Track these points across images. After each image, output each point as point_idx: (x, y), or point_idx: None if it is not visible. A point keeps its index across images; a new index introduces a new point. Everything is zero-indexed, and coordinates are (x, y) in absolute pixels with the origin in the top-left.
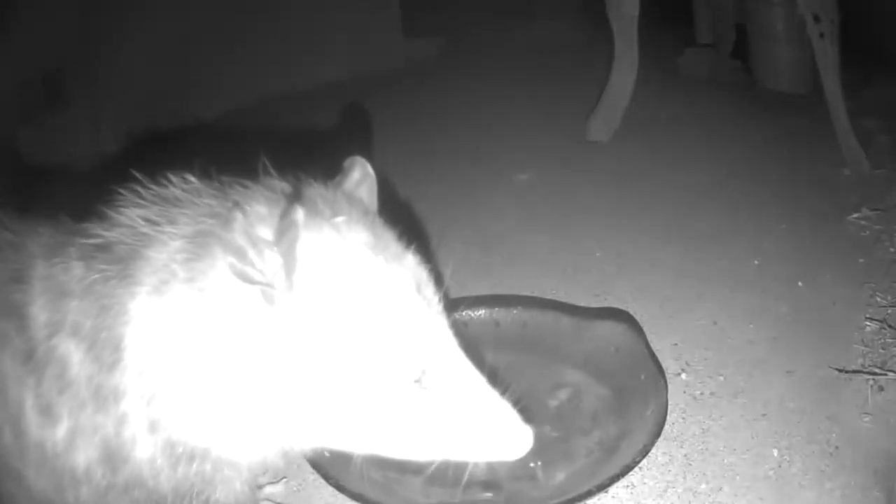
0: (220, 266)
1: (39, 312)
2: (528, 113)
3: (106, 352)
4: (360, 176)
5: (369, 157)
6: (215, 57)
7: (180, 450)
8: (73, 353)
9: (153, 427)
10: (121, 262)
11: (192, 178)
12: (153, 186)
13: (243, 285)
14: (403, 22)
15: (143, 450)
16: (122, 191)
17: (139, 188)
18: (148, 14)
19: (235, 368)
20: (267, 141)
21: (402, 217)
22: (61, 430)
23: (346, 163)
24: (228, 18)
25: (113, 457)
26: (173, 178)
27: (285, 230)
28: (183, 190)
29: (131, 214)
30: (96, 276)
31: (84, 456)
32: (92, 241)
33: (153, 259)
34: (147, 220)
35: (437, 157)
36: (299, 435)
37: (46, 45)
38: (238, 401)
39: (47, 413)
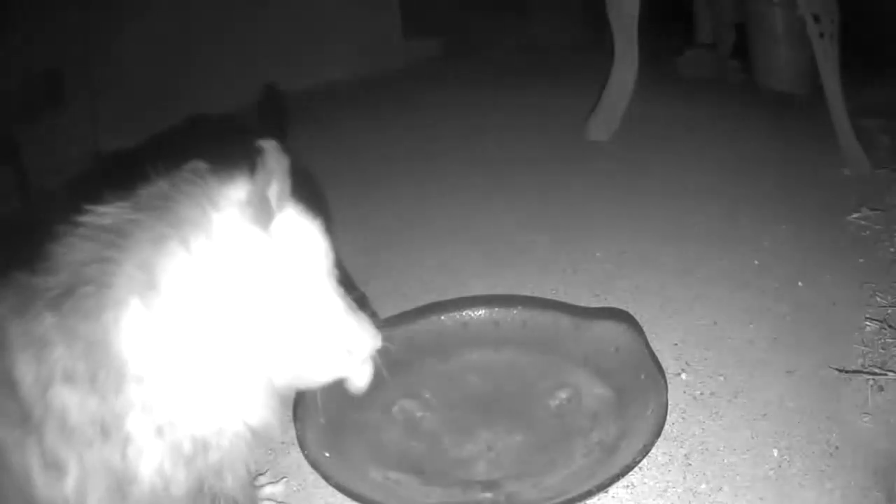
0: (196, 239)
1: (26, 372)
2: (528, 113)
3: (109, 383)
4: (275, 156)
5: (283, 140)
6: (215, 57)
7: (188, 447)
8: (72, 399)
9: (158, 433)
10: (90, 298)
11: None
12: (90, 216)
13: (235, 235)
14: (403, 22)
15: (150, 461)
16: (62, 228)
17: (80, 220)
18: (147, 14)
19: (229, 332)
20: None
21: (401, 218)
22: (70, 481)
23: (261, 144)
24: (228, 18)
25: (121, 483)
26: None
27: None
28: (123, 210)
29: (77, 252)
30: (72, 316)
31: (95, 497)
32: (52, 290)
33: (119, 280)
34: (95, 252)
35: (437, 157)
36: (278, 371)
37: (46, 45)
38: (234, 359)
39: (54, 467)
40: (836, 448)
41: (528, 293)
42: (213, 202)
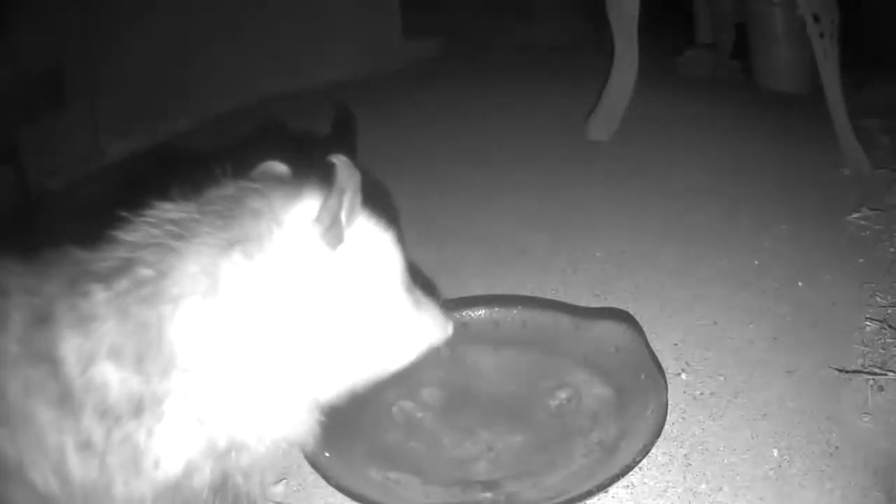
0: (270, 238)
1: (70, 350)
2: (528, 113)
3: (155, 366)
4: (347, 172)
5: (354, 156)
6: (215, 57)
7: (223, 444)
8: (114, 376)
9: (199, 422)
10: (148, 283)
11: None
12: (155, 209)
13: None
14: (403, 22)
15: (180, 448)
16: (128, 215)
17: (147, 209)
18: (148, 14)
19: (282, 345)
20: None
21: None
22: (98, 460)
23: (333, 160)
24: (228, 18)
25: (142, 462)
26: (175, 200)
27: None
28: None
29: (137, 234)
30: (126, 295)
31: (121, 477)
32: (110, 263)
33: (181, 275)
34: (156, 238)
35: (437, 157)
36: (327, 379)
37: (46, 45)
38: (282, 372)
39: (88, 447)
40: (836, 448)
41: (528, 293)
42: (277, 218)
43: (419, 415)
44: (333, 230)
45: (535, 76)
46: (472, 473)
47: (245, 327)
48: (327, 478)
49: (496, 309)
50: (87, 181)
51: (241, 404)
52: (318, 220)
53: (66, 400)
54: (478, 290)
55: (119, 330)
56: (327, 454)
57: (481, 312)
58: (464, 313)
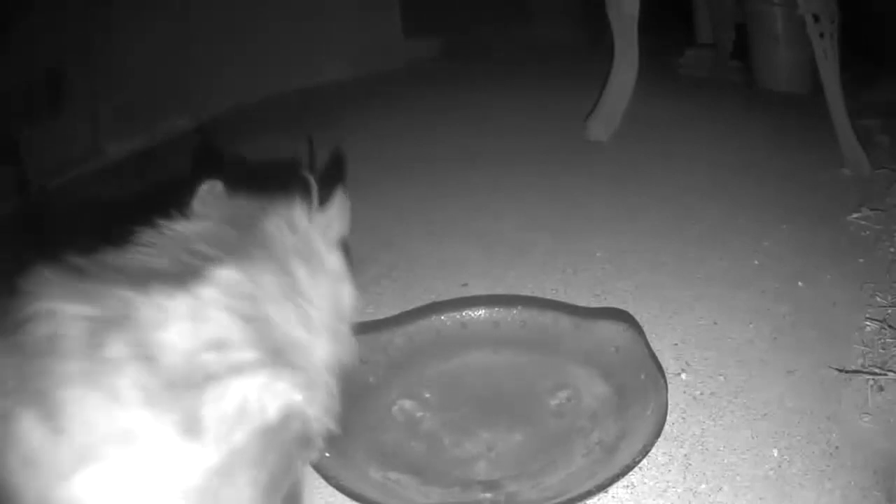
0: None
1: (172, 344)
2: (528, 113)
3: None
4: (340, 206)
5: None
6: (215, 57)
7: (304, 392)
8: (215, 358)
9: (292, 380)
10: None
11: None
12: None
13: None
14: (403, 22)
15: (281, 402)
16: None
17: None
18: (148, 14)
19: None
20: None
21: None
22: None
23: (334, 195)
24: (228, 18)
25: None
26: None
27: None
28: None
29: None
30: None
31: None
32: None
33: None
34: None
35: (437, 157)
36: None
37: (46, 45)
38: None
39: (192, 432)
40: (836, 448)
41: (528, 293)
42: (294, 226)
43: (419, 415)
44: (328, 236)
45: (535, 76)
46: (471, 473)
47: (307, 295)
48: (327, 478)
49: (496, 309)
50: (87, 181)
51: (315, 351)
52: (321, 229)
53: (170, 389)
54: (478, 290)
55: (222, 323)
56: (327, 454)
57: (481, 312)
58: (464, 313)
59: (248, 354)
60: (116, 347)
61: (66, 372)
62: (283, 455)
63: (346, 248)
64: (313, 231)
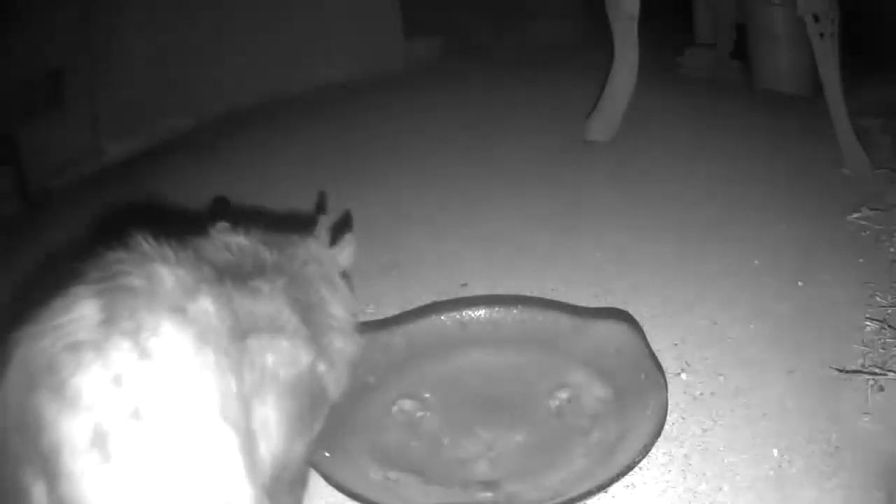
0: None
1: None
2: (528, 113)
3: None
4: (350, 246)
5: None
6: (215, 57)
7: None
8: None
9: (338, 351)
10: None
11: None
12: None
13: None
14: (403, 22)
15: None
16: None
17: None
18: (148, 14)
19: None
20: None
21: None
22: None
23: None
24: (228, 19)
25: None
26: None
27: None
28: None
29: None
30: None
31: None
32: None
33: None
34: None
35: (437, 157)
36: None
37: (46, 45)
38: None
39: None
40: (837, 448)
41: (528, 293)
42: (314, 254)
43: (419, 414)
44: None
45: (535, 76)
46: (472, 473)
47: (328, 301)
48: (327, 478)
49: (496, 309)
50: (87, 181)
51: (334, 342)
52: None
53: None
54: (478, 290)
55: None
56: (327, 454)
57: (481, 312)
58: (464, 313)
59: (294, 322)
60: (205, 300)
61: (161, 309)
62: (308, 396)
63: (349, 274)
64: (329, 260)
